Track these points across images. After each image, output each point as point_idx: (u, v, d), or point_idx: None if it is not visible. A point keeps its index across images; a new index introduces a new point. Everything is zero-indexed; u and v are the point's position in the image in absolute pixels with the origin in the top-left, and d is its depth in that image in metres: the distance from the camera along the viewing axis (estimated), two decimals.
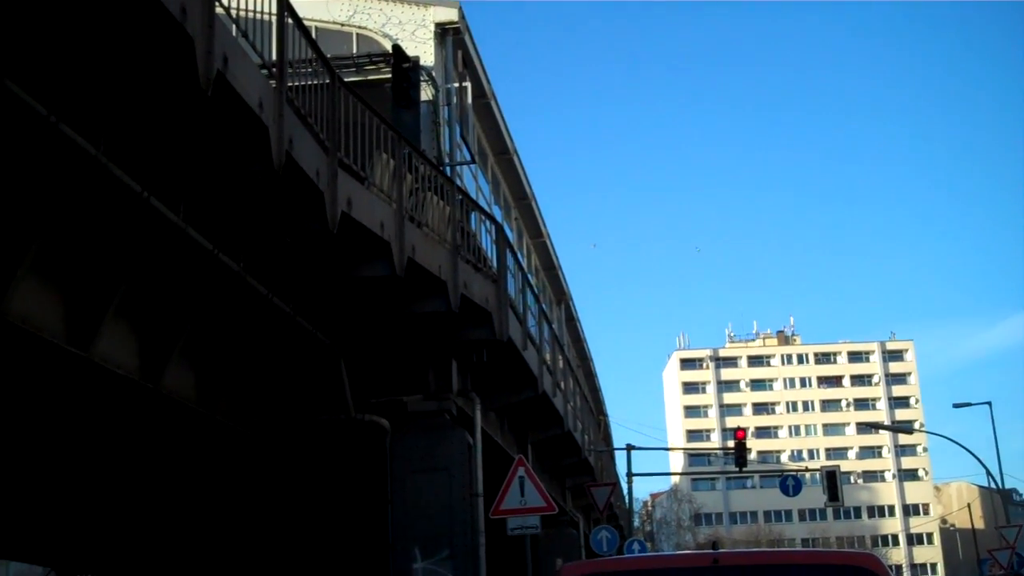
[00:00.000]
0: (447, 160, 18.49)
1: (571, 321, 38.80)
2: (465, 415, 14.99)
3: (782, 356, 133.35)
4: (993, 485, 41.44)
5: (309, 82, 10.32)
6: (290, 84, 9.60)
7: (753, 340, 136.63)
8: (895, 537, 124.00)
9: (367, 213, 11.07)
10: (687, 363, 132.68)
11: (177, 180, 9.25)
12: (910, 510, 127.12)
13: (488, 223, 16.60)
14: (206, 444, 14.53)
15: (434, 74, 18.56)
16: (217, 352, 12.17)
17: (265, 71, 9.36)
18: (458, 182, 17.65)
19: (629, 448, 37.47)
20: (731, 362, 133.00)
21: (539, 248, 32.02)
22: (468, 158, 20.71)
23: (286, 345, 12.69)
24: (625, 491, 38.68)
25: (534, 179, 29.66)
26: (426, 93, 17.94)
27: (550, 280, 34.51)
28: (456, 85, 19.49)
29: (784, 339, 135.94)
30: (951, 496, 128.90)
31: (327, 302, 12.55)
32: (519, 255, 21.30)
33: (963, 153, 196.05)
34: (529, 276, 22.39)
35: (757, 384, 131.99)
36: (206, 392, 12.16)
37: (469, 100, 20.29)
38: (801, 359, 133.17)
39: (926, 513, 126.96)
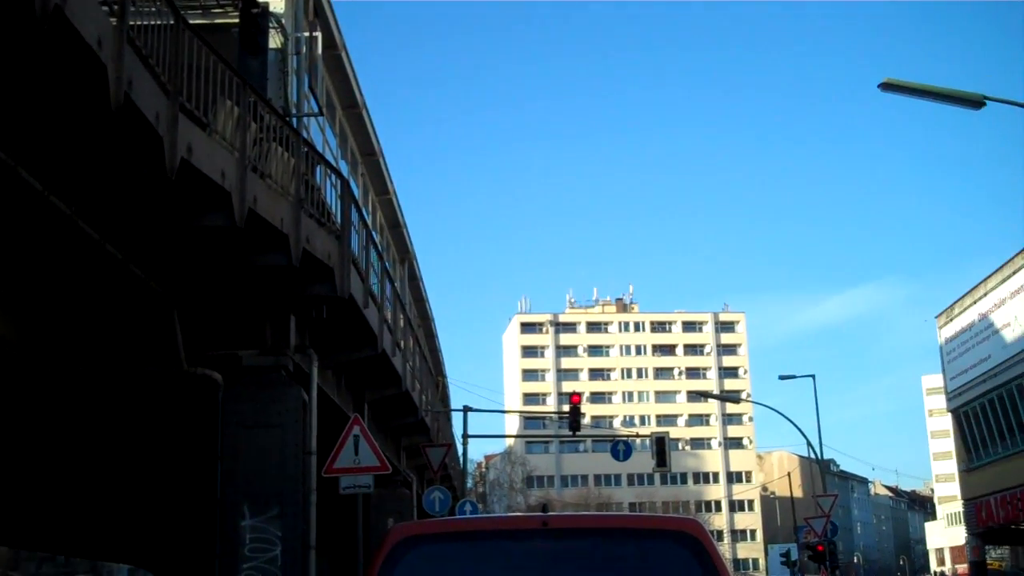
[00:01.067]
0: (294, 111, 18.06)
1: (414, 280, 38.65)
2: (302, 372, 14.75)
3: (620, 323, 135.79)
4: (812, 455, 43.15)
5: (152, 22, 9.90)
6: (132, 23, 9.19)
7: (593, 307, 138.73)
8: (718, 503, 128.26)
9: (208, 161, 10.72)
10: (527, 327, 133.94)
11: (5, 116, 8.78)
12: (734, 477, 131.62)
13: (333, 177, 16.31)
14: (27, 391, 13.96)
15: (284, 22, 18.08)
16: (43, 297, 11.67)
17: (106, 8, 8.93)
18: (304, 134, 17.30)
19: (466, 410, 37.69)
20: (570, 327, 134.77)
21: (385, 205, 31.72)
22: (316, 110, 20.29)
23: (118, 293, 12.25)
24: (460, 452, 38.91)
25: (383, 135, 29.34)
26: (274, 41, 17.48)
27: (394, 238, 34.26)
28: (306, 34, 19.03)
29: (623, 307, 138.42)
30: (773, 465, 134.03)
31: (163, 251, 12.14)
32: (364, 211, 21.02)
33: (800, 134, 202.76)
34: (373, 233, 22.17)
35: (594, 350, 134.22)
36: (27, 337, 11.65)
37: (319, 51, 19.85)
38: (638, 327, 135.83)
39: (748, 481, 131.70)
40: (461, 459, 39.27)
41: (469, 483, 62.33)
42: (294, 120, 17.50)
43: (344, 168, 23.87)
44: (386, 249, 31.21)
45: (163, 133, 9.68)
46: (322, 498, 15.08)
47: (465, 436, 37.51)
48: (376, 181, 29.73)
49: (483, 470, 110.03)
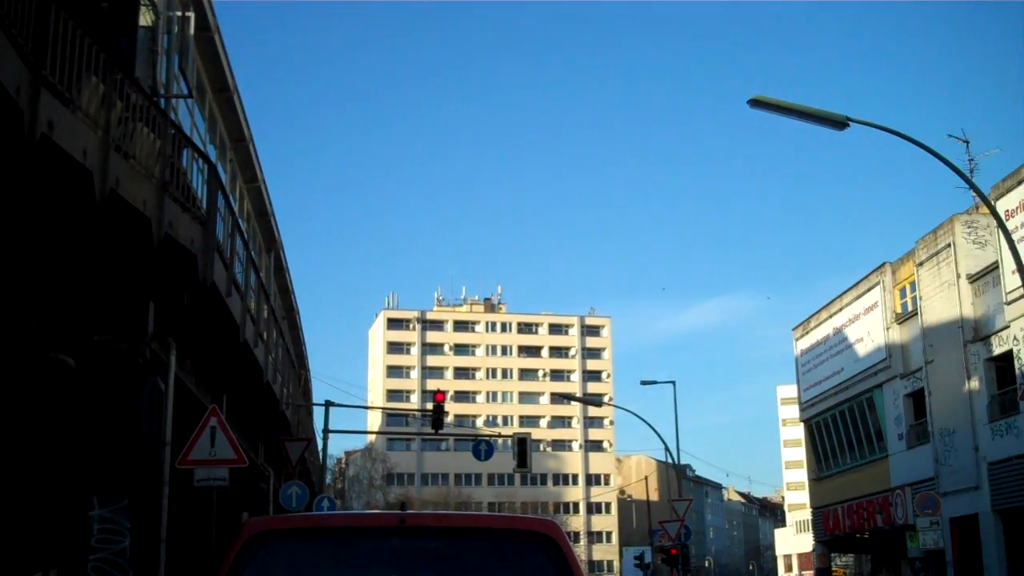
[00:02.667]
0: (162, 92, 17.58)
1: (280, 271, 38.05)
2: (159, 359, 14.37)
3: (487, 323, 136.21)
4: (670, 460, 43.97)
5: None
6: None
7: (461, 305, 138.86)
8: (576, 505, 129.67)
9: (69, 138, 10.34)
10: (394, 323, 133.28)
11: None
12: (592, 480, 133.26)
13: (201, 162, 15.93)
14: None
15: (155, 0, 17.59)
16: None
17: None
18: (172, 116, 16.85)
19: (328, 404, 37.29)
20: (437, 325, 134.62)
21: (253, 193, 31.15)
22: (185, 92, 19.80)
23: None
24: (320, 447, 38.49)
25: (254, 122, 28.82)
26: (145, 19, 16.96)
27: (261, 227, 33.68)
28: (179, 14, 18.56)
29: (490, 307, 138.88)
30: (631, 468, 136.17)
31: (17, 230, 11.67)
32: (231, 198, 20.61)
33: (671, 145, 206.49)
34: (240, 221, 21.74)
35: (460, 349, 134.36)
36: None
37: (191, 31, 19.38)
38: (505, 327, 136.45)
39: (607, 483, 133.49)
40: (321, 454, 38.85)
41: (328, 479, 61.82)
42: (162, 101, 17.03)
43: (212, 153, 23.36)
44: (252, 238, 30.65)
45: (23, 106, 9.31)
46: (176, 490, 14.72)
47: (326, 431, 37.13)
48: (245, 168, 29.18)
49: (343, 466, 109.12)
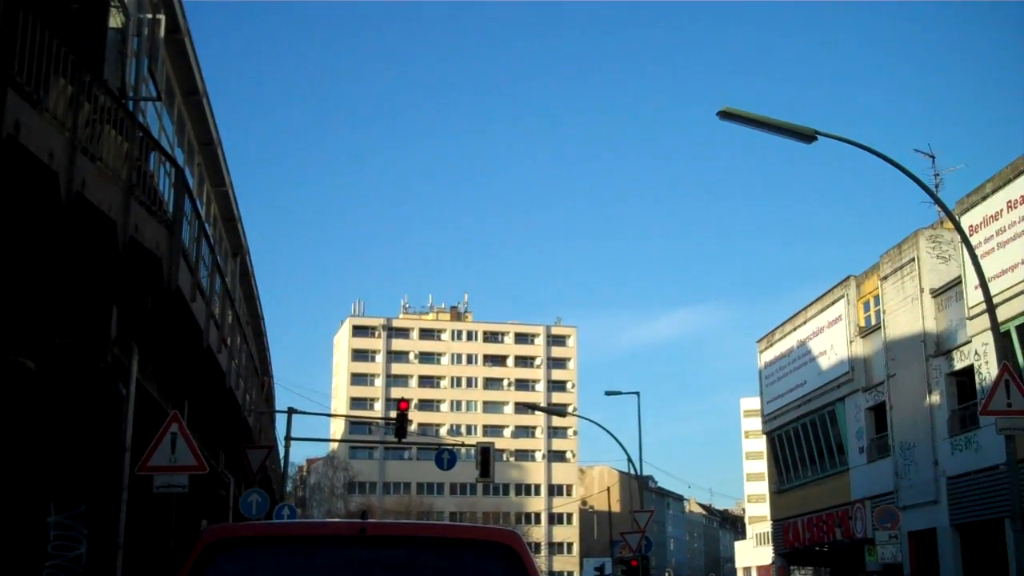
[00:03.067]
0: (131, 94, 17.45)
1: (246, 276, 37.84)
2: (121, 364, 14.23)
3: (453, 331, 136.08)
4: (632, 471, 44.03)
5: None
6: None
7: (427, 313, 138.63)
8: (538, 515, 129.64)
9: (36, 139, 10.24)
10: (359, 330, 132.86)
11: None
12: (555, 490, 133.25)
13: (168, 165, 15.82)
14: None
15: (126, 1, 17.48)
16: None
17: None
18: (141, 119, 16.73)
19: (291, 411, 37.13)
20: (403, 333, 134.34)
21: (220, 197, 30.97)
22: (154, 94, 19.66)
23: None
24: (282, 455, 38.28)
25: (223, 126, 28.70)
26: (115, 20, 16.84)
27: (228, 232, 33.49)
28: (149, 16, 18.44)
29: (457, 315, 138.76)
30: (594, 479, 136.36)
31: None
32: (198, 202, 20.50)
33: (641, 156, 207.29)
34: (206, 225, 21.61)
35: (426, 357, 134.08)
36: None
37: (161, 34, 19.25)
38: (471, 336, 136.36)
39: (569, 494, 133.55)
40: (282, 462, 38.63)
41: (289, 487, 61.47)
42: (131, 103, 16.91)
43: (180, 156, 23.23)
44: (218, 242, 30.48)
45: None
46: (134, 496, 14.59)
47: (288, 438, 36.94)
48: (213, 172, 29.02)
49: (304, 474, 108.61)
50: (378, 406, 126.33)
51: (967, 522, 31.49)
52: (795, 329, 45.07)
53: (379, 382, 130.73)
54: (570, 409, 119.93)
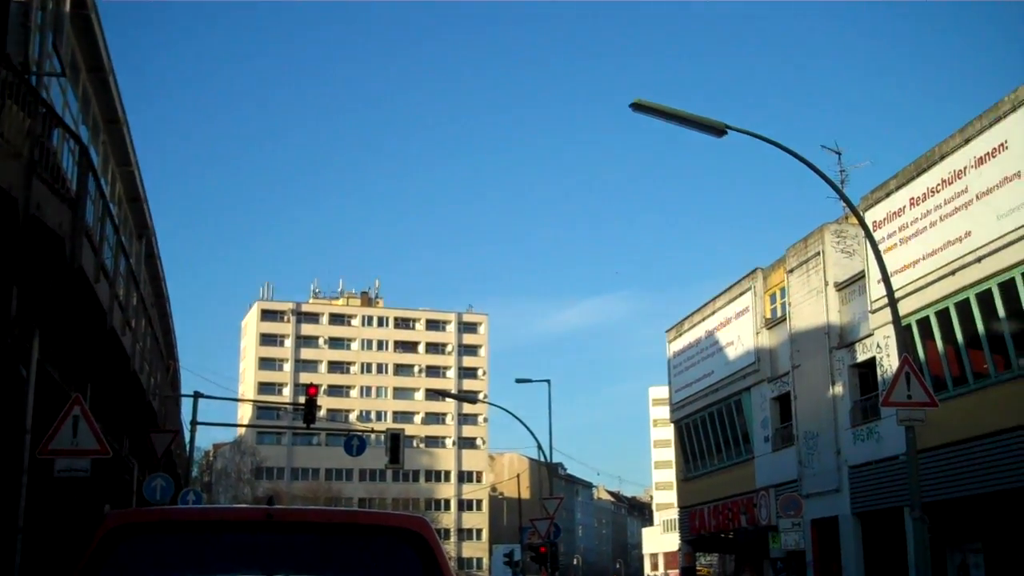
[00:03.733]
0: (34, 69, 16.97)
1: (151, 258, 37.11)
2: (22, 346, 13.87)
3: (363, 317, 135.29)
4: (542, 458, 44.24)
5: None
6: None
7: (337, 299, 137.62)
8: (448, 502, 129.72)
9: None
10: (268, 314, 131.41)
11: None
12: (465, 477, 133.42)
13: (72, 143, 15.42)
14: None
15: None
16: None
17: None
18: (44, 94, 16.28)
19: (196, 396, 36.59)
20: (312, 318, 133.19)
21: (125, 177, 30.29)
22: (58, 70, 19.15)
23: None
24: (187, 439, 37.74)
25: (130, 104, 28.08)
26: None
27: (133, 212, 32.79)
28: None
29: (368, 300, 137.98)
30: (504, 465, 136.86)
31: None
32: (103, 181, 20.03)
33: (555, 145, 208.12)
34: (111, 205, 21.16)
35: (336, 342, 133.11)
36: None
37: (67, 8, 18.77)
38: (381, 322, 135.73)
39: (479, 481, 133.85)
40: (188, 446, 38.09)
41: (195, 472, 60.57)
42: (33, 79, 16.44)
43: (84, 134, 22.68)
44: (123, 223, 29.84)
45: None
46: (35, 480, 14.25)
47: (194, 423, 36.41)
48: (118, 151, 28.38)
49: (211, 459, 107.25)
50: (287, 391, 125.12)
51: (868, 510, 32.21)
52: (703, 320, 45.64)
53: (288, 367, 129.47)
54: (481, 396, 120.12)
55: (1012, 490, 25.48)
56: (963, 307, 27.25)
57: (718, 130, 18.70)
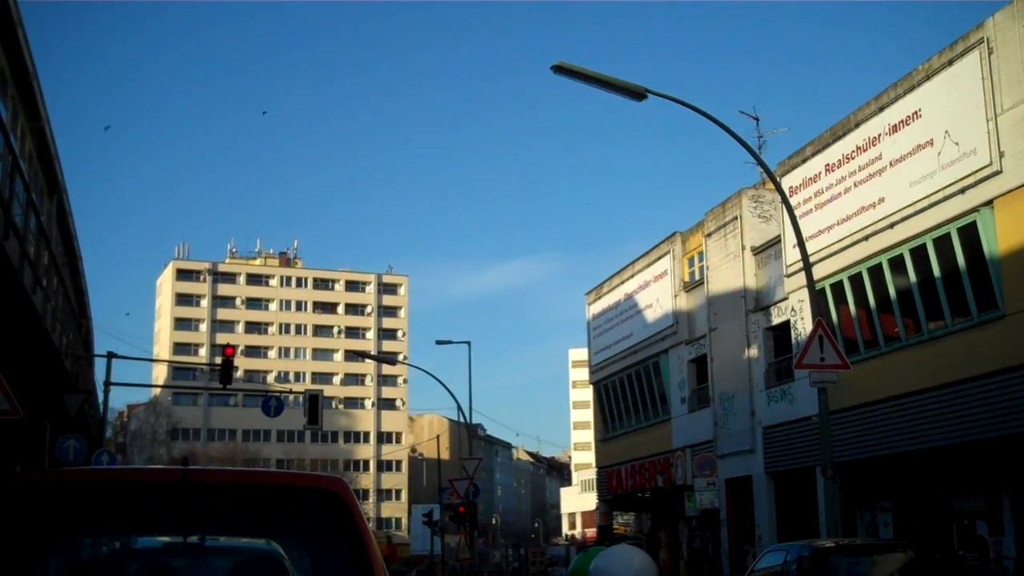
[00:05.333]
0: None
1: (63, 216, 36.30)
2: None
3: (281, 277, 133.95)
4: (462, 419, 44.38)
5: None
6: None
7: (255, 258, 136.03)
8: (367, 463, 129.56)
9: None
10: (183, 274, 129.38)
11: None
12: (384, 438, 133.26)
13: None
14: None
15: None
16: None
17: None
18: None
19: (110, 356, 36.03)
20: (229, 278, 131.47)
21: (35, 133, 29.51)
22: None
23: None
24: (101, 400, 37.18)
25: (40, 58, 27.32)
26: None
27: (44, 169, 31.99)
28: None
29: (286, 261, 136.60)
30: (423, 427, 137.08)
31: None
32: (11, 137, 19.50)
33: (477, 108, 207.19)
34: (20, 161, 20.60)
35: (253, 303, 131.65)
36: None
37: None
38: (300, 282, 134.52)
39: (398, 442, 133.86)
40: (101, 407, 37.52)
41: (109, 433, 59.81)
42: None
43: None
44: (33, 180, 29.12)
45: None
46: None
47: (107, 383, 35.86)
48: (28, 106, 27.64)
49: (125, 420, 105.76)
50: (203, 352, 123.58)
51: (781, 470, 32.85)
52: (623, 282, 45.97)
53: (204, 327, 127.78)
54: (400, 358, 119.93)
55: (920, 451, 26.16)
56: (875, 272, 27.79)
57: (638, 94, 18.79)
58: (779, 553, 16.43)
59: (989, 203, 23.46)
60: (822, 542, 16.38)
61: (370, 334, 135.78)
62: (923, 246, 25.70)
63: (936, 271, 25.34)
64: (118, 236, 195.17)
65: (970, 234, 24.19)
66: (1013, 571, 19.12)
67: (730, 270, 35.92)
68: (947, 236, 24.90)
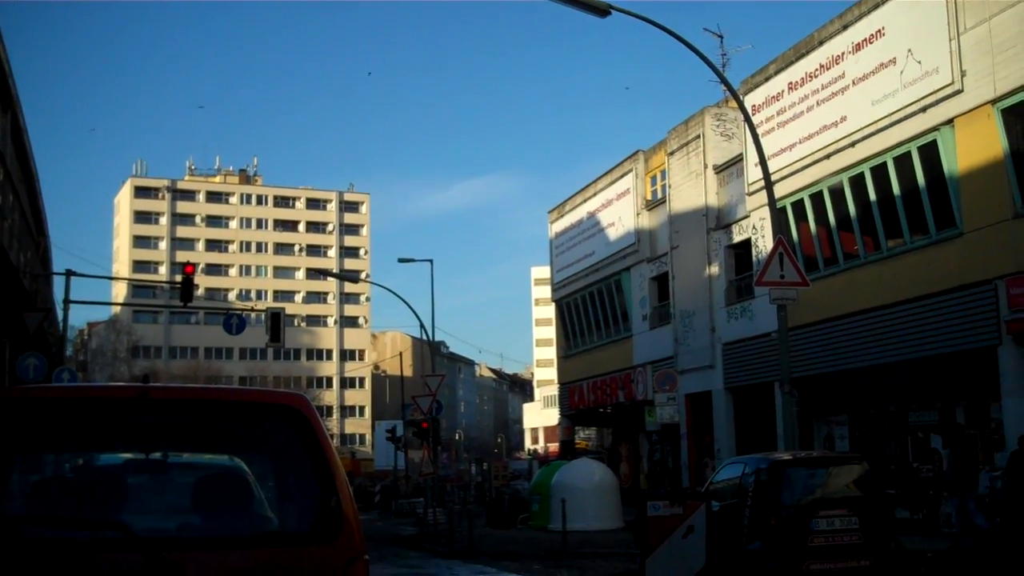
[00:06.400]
0: None
1: (18, 132, 35.72)
2: None
3: (242, 195, 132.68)
4: (424, 337, 44.51)
5: None
6: None
7: (214, 176, 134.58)
8: (330, 380, 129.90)
9: None
10: (142, 191, 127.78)
11: None
12: (347, 355, 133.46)
13: None
14: None
15: None
16: None
17: None
18: None
19: (69, 274, 35.71)
20: (189, 195, 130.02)
21: None
22: None
23: None
24: (60, 318, 36.94)
25: None
26: None
27: None
28: None
29: (246, 178, 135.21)
30: (386, 344, 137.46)
31: None
32: None
33: (443, 22, 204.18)
34: None
35: (213, 220, 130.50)
36: None
37: None
38: (260, 200, 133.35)
39: (361, 359, 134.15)
40: (61, 325, 37.29)
41: (69, 351, 59.51)
42: None
43: None
44: None
45: None
46: None
47: (67, 301, 35.58)
48: None
49: (85, 338, 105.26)
50: (163, 270, 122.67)
51: (740, 385, 33.28)
52: (585, 201, 45.95)
53: (164, 245, 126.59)
54: (363, 276, 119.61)
55: (876, 366, 26.58)
56: (836, 190, 27.94)
57: (601, 10, 18.64)
58: (737, 466, 16.70)
59: (950, 122, 23.57)
60: (779, 455, 16.66)
61: (332, 252, 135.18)
62: (883, 165, 25.83)
63: (896, 189, 25.51)
64: (75, 154, 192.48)
65: (930, 153, 24.33)
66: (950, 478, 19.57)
67: (692, 188, 35.97)
68: (907, 155, 25.04)
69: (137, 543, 4.93)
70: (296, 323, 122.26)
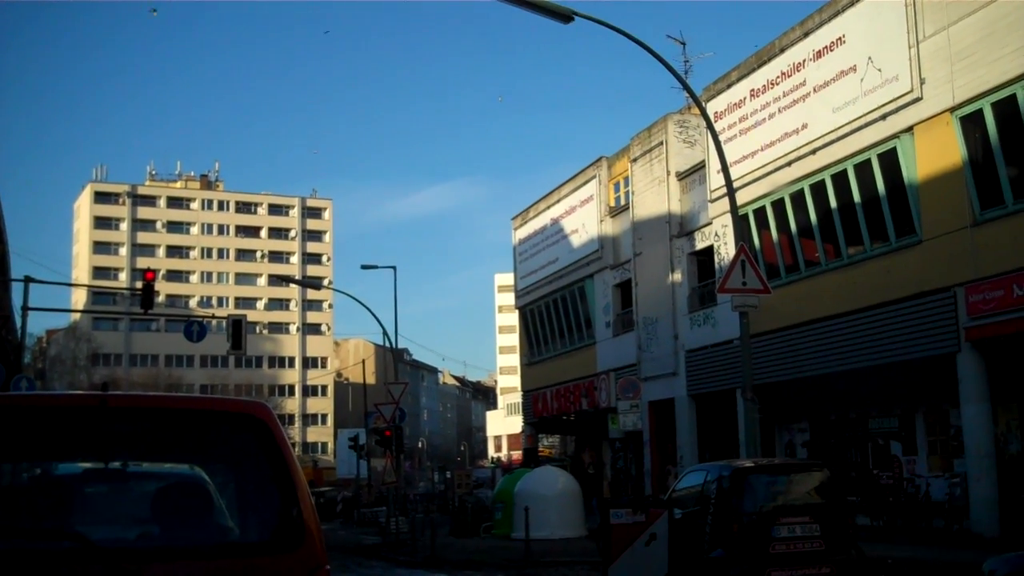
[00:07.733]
0: None
1: None
2: None
3: (203, 201, 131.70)
4: (387, 344, 44.36)
5: None
6: None
7: (175, 181, 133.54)
8: (292, 388, 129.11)
9: None
10: (102, 196, 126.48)
11: None
12: (309, 363, 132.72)
13: None
14: None
15: None
16: None
17: None
18: None
19: (27, 280, 35.32)
20: (149, 201, 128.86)
21: None
22: None
23: None
24: (19, 325, 36.51)
25: None
26: None
27: None
28: None
29: (207, 184, 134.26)
30: (349, 351, 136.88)
31: None
32: None
33: (404, 27, 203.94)
34: None
35: (174, 226, 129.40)
36: None
37: None
38: (222, 206, 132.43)
39: (324, 366, 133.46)
40: (19, 332, 36.85)
41: (27, 358, 58.84)
42: None
43: None
44: None
45: None
46: None
47: (25, 308, 35.17)
48: None
49: (44, 345, 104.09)
50: (123, 276, 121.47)
51: (703, 392, 33.39)
52: (549, 207, 45.99)
53: (124, 251, 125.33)
54: (325, 282, 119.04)
55: (837, 373, 26.74)
56: (797, 197, 28.11)
57: (565, 16, 18.66)
58: (700, 473, 16.71)
59: (909, 129, 23.78)
60: (741, 462, 16.69)
61: (294, 258, 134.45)
62: (844, 172, 26.02)
63: (856, 197, 25.70)
64: (34, 158, 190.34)
65: (890, 160, 24.53)
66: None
67: (655, 195, 36.08)
68: (868, 162, 25.23)
69: (96, 554, 4.85)
70: (258, 330, 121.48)
